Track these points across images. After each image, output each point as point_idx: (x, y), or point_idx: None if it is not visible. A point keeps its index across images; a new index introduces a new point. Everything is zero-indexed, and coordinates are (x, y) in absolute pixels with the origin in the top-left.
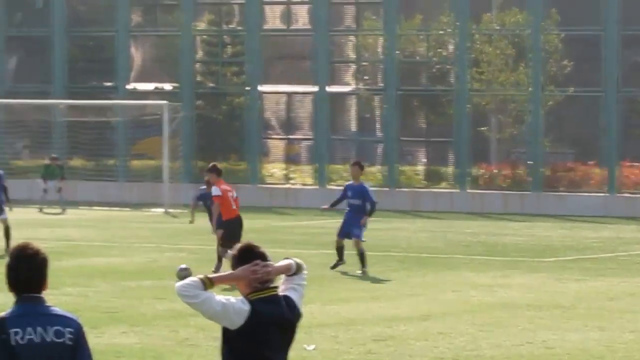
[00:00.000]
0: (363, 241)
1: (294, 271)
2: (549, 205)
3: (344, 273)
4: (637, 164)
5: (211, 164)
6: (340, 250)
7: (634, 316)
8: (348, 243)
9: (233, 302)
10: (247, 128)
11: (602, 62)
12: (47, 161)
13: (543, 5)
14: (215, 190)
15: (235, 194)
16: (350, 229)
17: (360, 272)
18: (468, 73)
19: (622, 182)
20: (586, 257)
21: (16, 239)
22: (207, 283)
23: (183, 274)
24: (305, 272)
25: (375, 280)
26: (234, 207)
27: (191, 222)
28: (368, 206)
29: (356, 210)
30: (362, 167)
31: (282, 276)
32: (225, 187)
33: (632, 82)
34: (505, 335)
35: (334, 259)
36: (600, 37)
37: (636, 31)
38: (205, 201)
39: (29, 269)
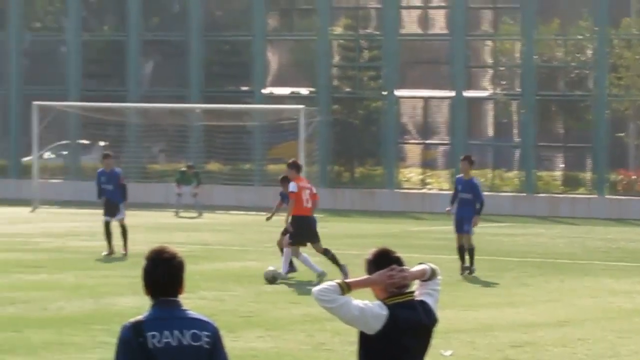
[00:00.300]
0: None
1: (428, 276)
2: None
3: (479, 279)
4: None
5: (291, 160)
6: (461, 249)
7: None
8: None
9: (371, 306)
10: (383, 133)
11: None
12: (183, 167)
13: None
14: (292, 187)
15: (312, 191)
16: (463, 223)
17: (468, 271)
18: (607, 78)
19: None
20: None
21: (152, 243)
22: (345, 287)
23: (270, 274)
24: (439, 277)
25: (512, 286)
26: (308, 205)
27: (268, 218)
28: (477, 205)
29: (466, 204)
30: (471, 162)
31: (416, 281)
32: (303, 184)
33: None
34: None
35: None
36: None
37: None
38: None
39: (166, 273)
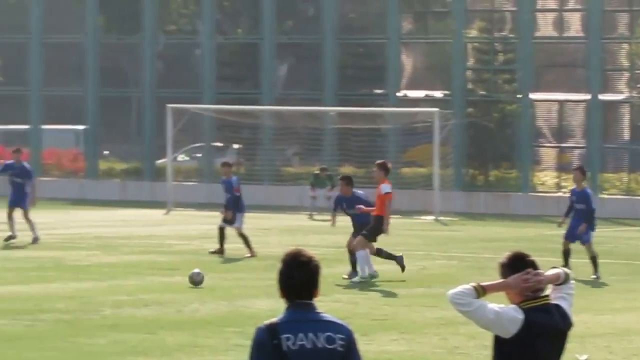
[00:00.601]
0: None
1: (562, 280)
2: None
3: (615, 283)
4: None
5: (381, 161)
6: (566, 254)
7: None
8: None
9: (507, 310)
10: (518, 136)
11: None
12: (316, 170)
13: None
14: (387, 188)
15: None
16: (574, 233)
17: (594, 276)
18: None
19: None
20: None
21: (287, 245)
22: (480, 291)
23: (197, 278)
24: (572, 281)
25: None
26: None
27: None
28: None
29: (582, 214)
30: (583, 172)
31: (550, 285)
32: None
33: None
34: None
35: (605, 269)
36: None
37: None
38: (341, 205)
39: (302, 276)
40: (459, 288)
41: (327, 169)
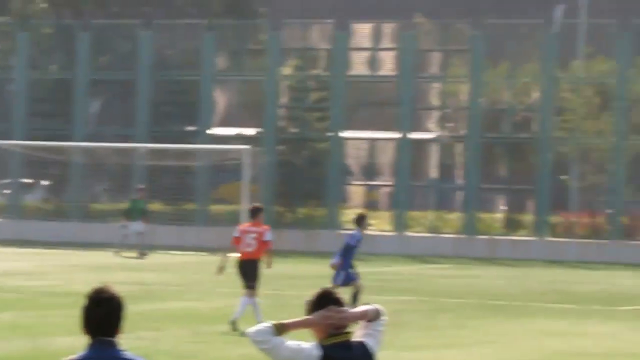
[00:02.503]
0: None
1: (372, 317)
2: (628, 254)
3: (417, 320)
4: None
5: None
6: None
7: None
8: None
9: (304, 347)
10: (327, 174)
11: None
12: (133, 196)
13: (631, 54)
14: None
15: None
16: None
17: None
18: (552, 121)
19: None
20: None
21: (93, 282)
22: (279, 328)
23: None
24: (384, 318)
25: (450, 327)
26: None
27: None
28: None
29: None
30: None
31: (362, 322)
32: None
33: None
34: None
35: (408, 306)
36: None
37: None
38: None
39: (104, 313)
40: (259, 326)
41: (145, 189)
